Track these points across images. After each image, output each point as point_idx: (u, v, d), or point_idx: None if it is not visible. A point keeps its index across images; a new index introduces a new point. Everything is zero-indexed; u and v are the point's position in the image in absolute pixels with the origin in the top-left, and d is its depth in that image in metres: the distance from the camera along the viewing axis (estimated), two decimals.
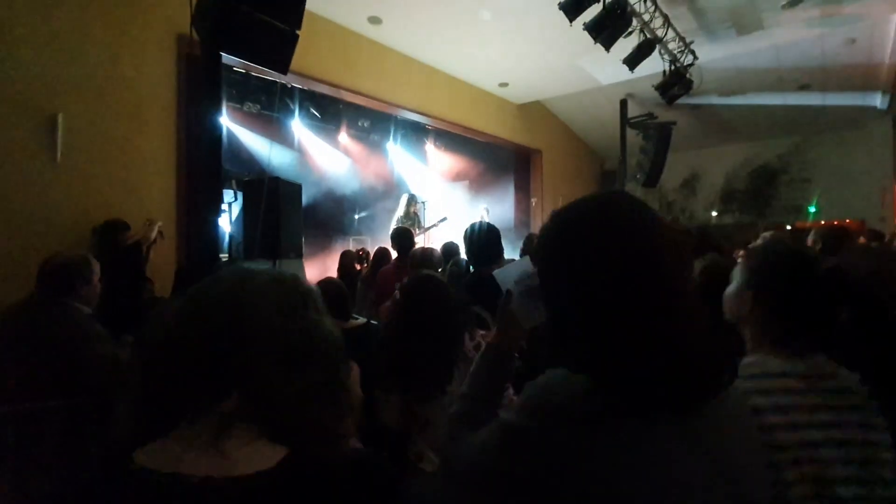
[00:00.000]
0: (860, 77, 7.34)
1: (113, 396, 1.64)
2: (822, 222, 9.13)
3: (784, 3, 5.21)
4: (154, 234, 3.31)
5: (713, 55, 6.42)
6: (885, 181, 8.65)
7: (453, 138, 8.37)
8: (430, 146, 8.70)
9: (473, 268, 2.32)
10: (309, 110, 6.95)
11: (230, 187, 4.47)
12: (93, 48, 3.60)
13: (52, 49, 3.41)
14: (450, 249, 3.59)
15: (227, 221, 4.60)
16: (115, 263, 3.12)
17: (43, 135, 3.37)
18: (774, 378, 0.94)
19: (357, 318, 2.40)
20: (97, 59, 3.63)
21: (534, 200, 9.12)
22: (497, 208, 8.22)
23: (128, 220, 3.57)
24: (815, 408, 0.90)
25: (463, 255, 3.30)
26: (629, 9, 4.60)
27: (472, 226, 2.34)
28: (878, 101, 8.03)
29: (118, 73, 3.75)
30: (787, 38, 6.20)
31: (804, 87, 7.83)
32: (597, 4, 4.33)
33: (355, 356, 1.97)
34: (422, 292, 1.60)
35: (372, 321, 2.62)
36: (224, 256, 4.20)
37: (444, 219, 6.44)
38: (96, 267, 2.05)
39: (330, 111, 7.15)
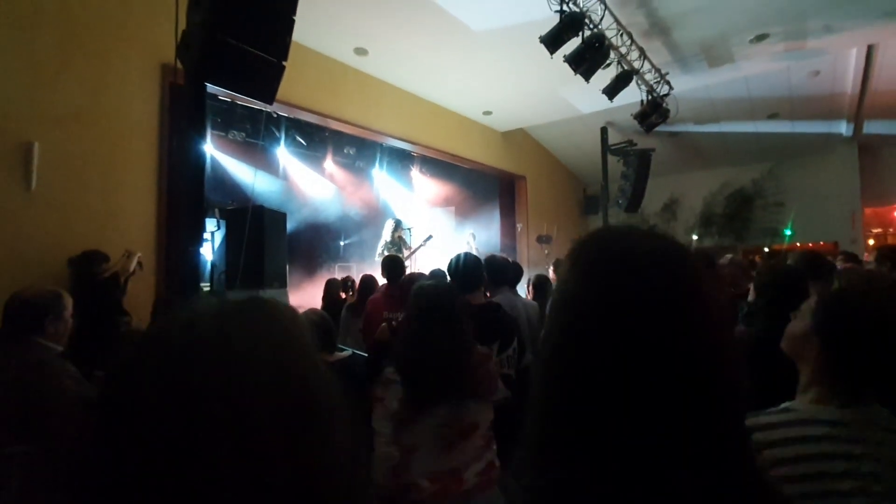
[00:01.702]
0: (826, 106, 7.71)
1: (78, 441, 1.53)
2: (798, 244, 9.41)
3: (752, 37, 5.49)
4: (133, 265, 3.21)
5: (688, 86, 6.68)
6: (853, 204, 8.99)
7: (439, 165, 8.46)
8: (415, 173, 8.77)
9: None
10: (294, 138, 6.96)
11: (213, 216, 4.40)
12: (74, 76, 3.57)
13: (30, 77, 3.36)
14: (436, 277, 3.57)
15: (209, 250, 4.51)
16: (92, 296, 3.01)
17: (16, 164, 3.29)
18: (803, 426, 0.91)
19: (343, 350, 2.34)
20: (78, 88, 3.59)
21: (519, 226, 9.21)
22: (483, 234, 8.27)
23: (106, 250, 3.47)
24: (843, 456, 0.87)
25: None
26: (607, 42, 4.77)
27: (457, 256, 2.40)
28: (843, 128, 8.42)
29: (99, 101, 3.71)
30: (756, 70, 6.50)
31: (774, 116, 8.18)
32: (576, 38, 4.48)
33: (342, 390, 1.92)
34: (435, 297, 1.69)
35: (357, 352, 2.55)
36: (205, 286, 4.10)
37: (430, 237, 6.48)
38: (68, 302, 1.95)
39: (316, 139, 7.17)
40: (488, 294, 3.07)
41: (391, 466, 1.56)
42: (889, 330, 0.93)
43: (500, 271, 3.16)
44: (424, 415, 1.54)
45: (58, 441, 1.59)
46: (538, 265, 8.43)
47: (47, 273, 3.24)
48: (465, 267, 2.37)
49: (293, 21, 2.56)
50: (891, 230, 9.49)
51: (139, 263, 3.28)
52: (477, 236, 7.52)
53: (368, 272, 6.08)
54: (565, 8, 4.28)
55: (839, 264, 4.04)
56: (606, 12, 4.61)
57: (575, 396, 0.49)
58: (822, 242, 9.28)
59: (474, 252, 4.27)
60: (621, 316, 0.47)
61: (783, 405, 0.98)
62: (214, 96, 4.89)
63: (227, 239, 3.74)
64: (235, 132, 6.18)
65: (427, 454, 1.54)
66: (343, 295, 4.35)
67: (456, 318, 1.65)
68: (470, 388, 1.59)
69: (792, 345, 1.06)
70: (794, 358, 1.05)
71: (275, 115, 6.19)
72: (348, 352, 2.28)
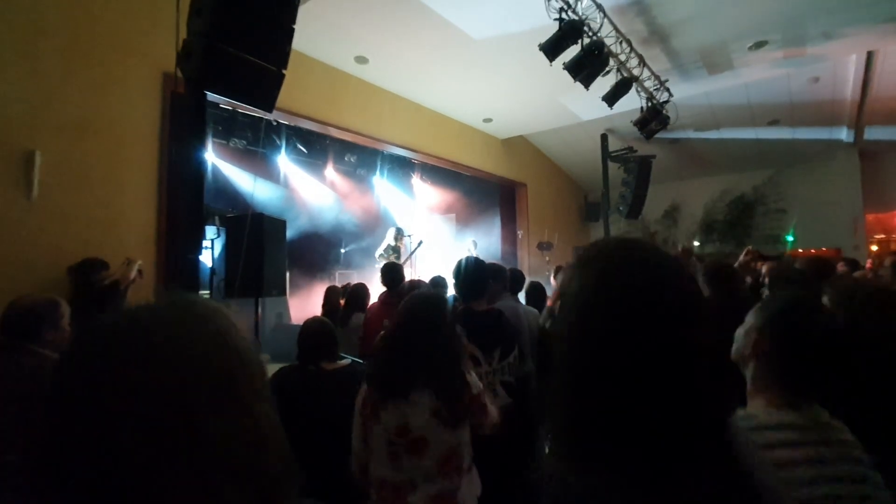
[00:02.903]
0: (826, 112, 7.71)
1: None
2: (800, 251, 9.37)
3: (751, 44, 5.50)
4: (133, 273, 3.21)
5: (687, 92, 6.69)
6: (855, 210, 8.97)
7: (439, 172, 8.48)
8: (416, 180, 8.79)
9: (463, 302, 2.32)
10: (295, 146, 6.99)
11: (213, 223, 4.41)
12: (75, 85, 3.59)
13: (32, 86, 3.38)
14: (437, 284, 3.56)
15: (209, 258, 4.51)
16: (91, 304, 3.00)
17: (18, 172, 3.30)
18: (769, 431, 0.91)
19: (344, 358, 2.33)
20: (79, 97, 3.61)
21: (520, 233, 9.20)
22: (484, 241, 8.27)
23: (106, 258, 3.46)
24: (809, 461, 0.88)
25: (450, 290, 3.27)
26: (606, 50, 4.79)
27: (460, 262, 2.36)
28: (843, 134, 8.42)
29: (101, 110, 3.72)
30: (756, 77, 6.52)
31: (774, 122, 8.18)
32: (575, 46, 4.50)
33: (344, 399, 1.91)
34: (424, 306, 1.67)
35: (357, 360, 2.54)
36: (205, 293, 4.09)
37: (421, 242, 6.57)
38: (65, 310, 1.95)
39: (316, 146, 7.20)
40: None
41: (359, 463, 1.62)
42: (832, 340, 0.95)
43: (503, 278, 3.15)
44: (378, 419, 1.53)
45: None
46: (539, 272, 8.41)
47: (47, 281, 3.23)
48: (469, 274, 2.34)
49: (293, 30, 2.58)
50: (894, 236, 9.45)
51: (139, 271, 3.27)
52: (478, 244, 7.52)
53: (368, 280, 6.08)
54: (564, 16, 4.30)
55: (840, 270, 4.03)
56: (605, 20, 4.63)
57: (601, 390, 0.55)
58: (824, 249, 9.24)
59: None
60: (641, 321, 0.54)
61: (740, 412, 0.98)
62: (216, 104, 4.92)
63: (227, 246, 3.74)
64: (236, 140, 6.20)
65: (379, 461, 1.53)
66: (343, 302, 4.33)
67: (439, 331, 1.60)
68: (447, 408, 1.54)
69: (736, 346, 1.07)
70: (741, 362, 1.05)
71: (275, 123, 6.22)
72: (348, 360, 2.27)
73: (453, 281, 2.36)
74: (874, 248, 9.31)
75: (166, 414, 0.42)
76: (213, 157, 6.18)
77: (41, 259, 3.34)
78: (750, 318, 1.07)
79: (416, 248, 6.54)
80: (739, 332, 1.08)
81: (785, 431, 0.91)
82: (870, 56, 6.31)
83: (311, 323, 2.23)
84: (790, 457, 0.88)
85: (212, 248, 4.46)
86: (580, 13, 4.40)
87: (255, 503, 0.45)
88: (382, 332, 2.37)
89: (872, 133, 8.30)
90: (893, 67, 6.43)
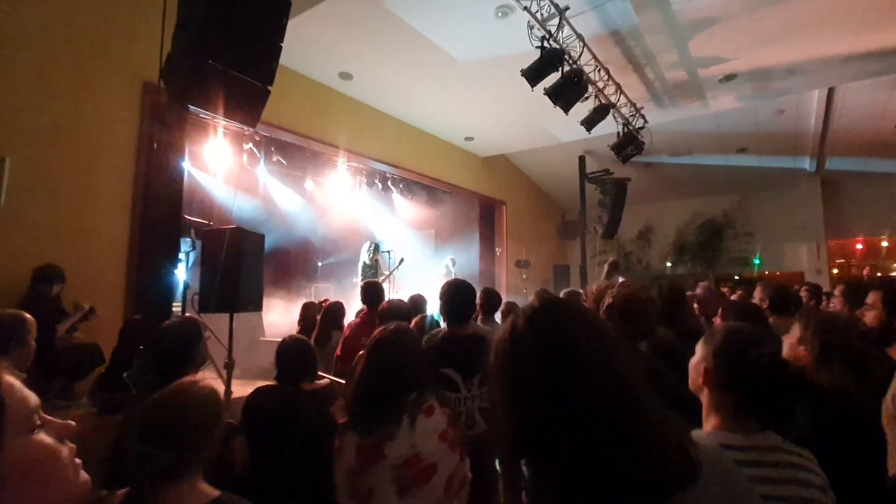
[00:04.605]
0: (790, 142, 8.12)
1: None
2: (766, 273, 9.74)
3: (721, 77, 5.79)
4: (79, 316, 3.29)
5: (661, 119, 6.96)
6: (818, 236, 9.40)
7: (419, 188, 8.51)
8: (396, 195, 8.80)
9: (447, 325, 2.31)
10: (275, 157, 6.92)
11: (188, 236, 4.31)
12: (52, 92, 3.51)
13: (6, 91, 3.29)
14: (416, 303, 3.55)
15: (182, 271, 4.39)
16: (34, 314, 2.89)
17: None
18: (734, 451, 0.95)
19: (323, 377, 2.30)
20: (55, 104, 3.52)
21: (498, 250, 9.29)
22: (463, 258, 8.29)
23: (76, 268, 3.37)
24: (756, 481, 0.91)
25: (430, 311, 3.27)
26: (585, 77, 4.96)
27: (448, 283, 2.34)
28: (807, 163, 8.87)
29: (77, 118, 3.64)
30: (725, 107, 6.83)
31: (742, 150, 8.57)
32: (556, 73, 4.65)
33: (323, 419, 1.88)
34: (393, 341, 1.60)
35: (335, 379, 2.51)
36: (177, 307, 3.97)
37: (402, 260, 6.51)
38: (32, 326, 1.88)
39: (296, 158, 7.14)
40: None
41: None
42: (762, 359, 1.01)
43: (489, 301, 3.17)
44: (380, 455, 1.43)
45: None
46: (517, 290, 8.48)
47: (12, 291, 3.11)
48: (454, 297, 2.30)
49: (280, 47, 2.59)
50: (853, 261, 9.93)
51: (91, 309, 3.33)
52: (457, 261, 7.53)
53: (346, 295, 6.01)
54: (546, 44, 4.44)
55: (803, 295, 4.21)
56: (585, 49, 4.80)
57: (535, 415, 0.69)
58: (789, 272, 9.63)
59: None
60: (559, 364, 0.68)
61: (698, 433, 1.01)
62: (195, 114, 4.85)
63: (203, 260, 3.66)
64: (216, 151, 6.10)
65: (383, 500, 1.42)
66: (319, 320, 4.28)
67: (408, 381, 1.54)
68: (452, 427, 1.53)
69: (691, 377, 1.12)
70: (695, 390, 1.10)
71: (257, 136, 6.16)
72: (326, 380, 2.24)
73: (439, 303, 2.35)
74: (835, 271, 9.76)
75: None
76: (189, 167, 6.07)
77: (7, 269, 3.22)
78: (699, 350, 1.11)
79: (397, 266, 6.51)
80: (691, 363, 1.12)
81: (732, 451, 0.94)
82: (831, 92, 6.70)
83: (290, 343, 2.19)
84: (748, 474, 0.90)
85: (186, 261, 4.36)
86: (561, 42, 4.55)
87: None
88: (361, 353, 2.36)
89: (834, 163, 8.77)
90: (851, 103, 6.84)
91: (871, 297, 1.91)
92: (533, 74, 4.49)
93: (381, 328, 1.66)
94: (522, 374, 0.70)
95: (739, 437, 0.98)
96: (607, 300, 1.54)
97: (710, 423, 1.05)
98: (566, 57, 4.65)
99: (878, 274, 8.50)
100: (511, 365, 0.73)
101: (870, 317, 1.89)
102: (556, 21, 4.36)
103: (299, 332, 3.85)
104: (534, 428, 0.67)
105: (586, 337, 0.70)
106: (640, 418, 0.65)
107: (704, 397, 1.07)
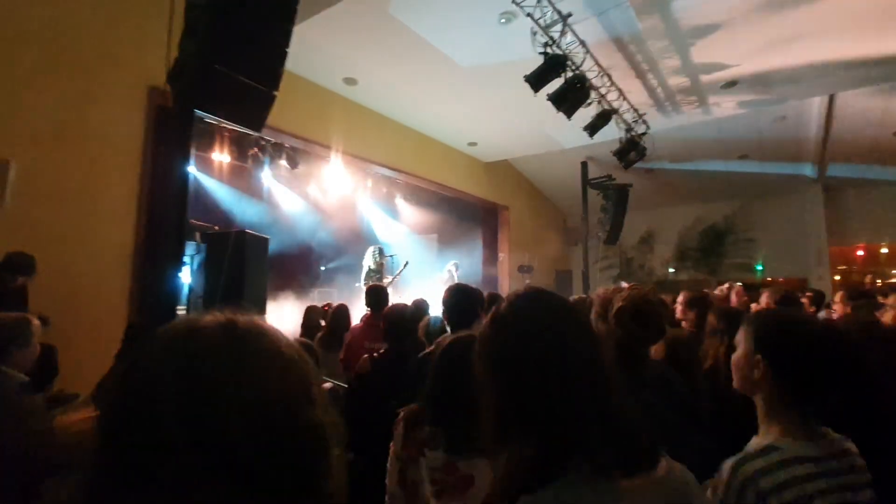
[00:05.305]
0: (792, 149, 8.13)
1: (38, 479, 1.44)
2: (769, 279, 9.72)
3: (722, 84, 5.81)
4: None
5: (663, 125, 6.98)
6: (820, 242, 9.38)
7: (423, 193, 8.54)
8: (399, 200, 8.83)
9: (451, 330, 2.30)
10: (280, 161, 6.95)
11: (194, 239, 4.33)
12: (57, 95, 3.53)
13: (11, 94, 3.32)
14: (419, 307, 3.55)
15: (186, 274, 4.41)
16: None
17: None
18: (793, 466, 0.90)
19: (325, 381, 2.30)
20: (60, 106, 3.55)
21: (501, 256, 9.29)
22: (465, 262, 8.29)
23: (80, 270, 3.38)
24: (827, 492, 0.88)
25: (433, 314, 3.27)
26: (588, 83, 4.98)
27: (451, 288, 2.34)
28: (808, 170, 8.87)
29: (83, 121, 3.67)
30: (727, 114, 6.85)
31: (744, 157, 8.57)
32: (559, 78, 4.67)
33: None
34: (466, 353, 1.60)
35: (340, 384, 2.51)
36: (182, 310, 3.99)
37: (406, 263, 6.54)
38: (36, 328, 1.89)
39: (301, 163, 7.17)
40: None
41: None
42: (832, 348, 0.95)
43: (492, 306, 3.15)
44: (420, 453, 1.44)
45: (14, 479, 1.50)
46: None
47: None
48: (457, 303, 2.28)
49: (286, 53, 2.61)
50: (855, 268, 9.90)
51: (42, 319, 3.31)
52: (460, 265, 7.53)
53: (349, 299, 6.01)
54: (549, 50, 4.47)
55: (804, 301, 4.21)
56: (587, 55, 4.83)
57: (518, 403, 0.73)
58: (791, 278, 9.61)
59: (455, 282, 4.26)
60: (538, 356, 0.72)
61: (764, 444, 0.94)
62: (200, 118, 4.88)
63: (208, 263, 3.68)
64: (221, 154, 6.14)
65: (424, 496, 1.44)
66: (323, 323, 4.28)
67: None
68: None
69: (739, 374, 1.03)
70: (748, 391, 1.02)
71: (262, 140, 6.20)
72: (329, 384, 2.24)
73: (442, 308, 2.34)
74: (837, 277, 9.73)
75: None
76: (195, 171, 6.10)
77: None
78: (742, 342, 1.03)
79: (401, 270, 6.52)
80: (737, 357, 1.04)
81: (807, 464, 0.90)
82: (832, 99, 6.72)
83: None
84: (817, 488, 0.88)
85: (190, 264, 4.38)
86: (564, 48, 4.58)
87: None
88: (365, 357, 2.36)
89: (835, 170, 8.77)
90: (852, 110, 6.85)
91: (893, 298, 1.93)
92: (536, 80, 4.52)
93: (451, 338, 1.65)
94: (507, 355, 0.74)
95: (812, 447, 0.92)
96: (617, 303, 1.50)
97: (772, 430, 0.95)
98: (569, 63, 4.68)
99: (878, 281, 8.48)
100: (495, 347, 0.76)
101: (888, 316, 1.90)
102: (559, 27, 4.40)
103: (302, 335, 3.86)
104: (517, 406, 0.71)
105: (564, 317, 0.76)
106: (613, 397, 0.71)
107: (761, 398, 0.99)
